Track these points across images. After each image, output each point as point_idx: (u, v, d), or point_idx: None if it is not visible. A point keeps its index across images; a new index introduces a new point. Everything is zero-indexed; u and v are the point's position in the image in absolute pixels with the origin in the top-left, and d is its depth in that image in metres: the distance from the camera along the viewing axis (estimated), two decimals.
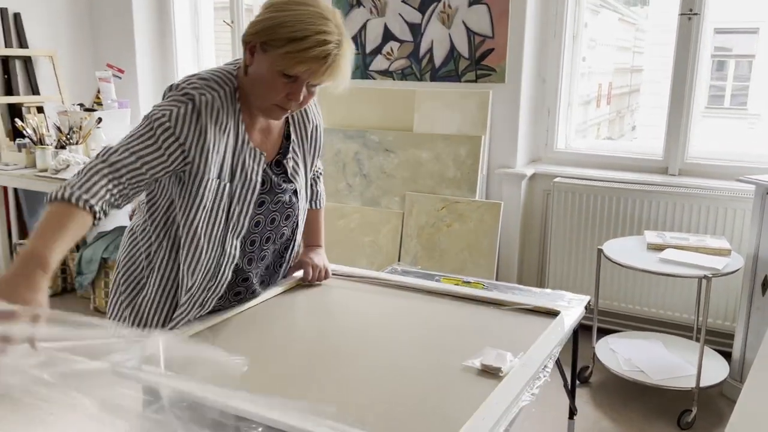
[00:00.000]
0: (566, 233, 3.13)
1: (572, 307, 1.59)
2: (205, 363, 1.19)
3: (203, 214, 1.39)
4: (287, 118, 1.52)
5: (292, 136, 1.54)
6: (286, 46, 1.28)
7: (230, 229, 1.43)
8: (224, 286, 1.47)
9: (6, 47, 3.88)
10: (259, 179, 1.45)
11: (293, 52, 1.28)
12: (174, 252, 1.44)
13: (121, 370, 1.26)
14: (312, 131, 1.58)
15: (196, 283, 1.43)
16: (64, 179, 3.27)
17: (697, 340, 2.76)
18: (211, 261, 1.43)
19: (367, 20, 3.44)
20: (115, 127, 3.80)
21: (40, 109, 3.95)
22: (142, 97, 4.36)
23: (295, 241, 1.63)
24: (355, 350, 1.39)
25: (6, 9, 3.87)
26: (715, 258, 2.44)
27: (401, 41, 3.38)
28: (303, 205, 1.59)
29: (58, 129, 3.59)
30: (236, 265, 1.47)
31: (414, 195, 3.31)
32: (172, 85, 1.40)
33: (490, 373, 1.28)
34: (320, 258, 1.77)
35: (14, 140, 3.75)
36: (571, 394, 1.77)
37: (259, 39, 1.31)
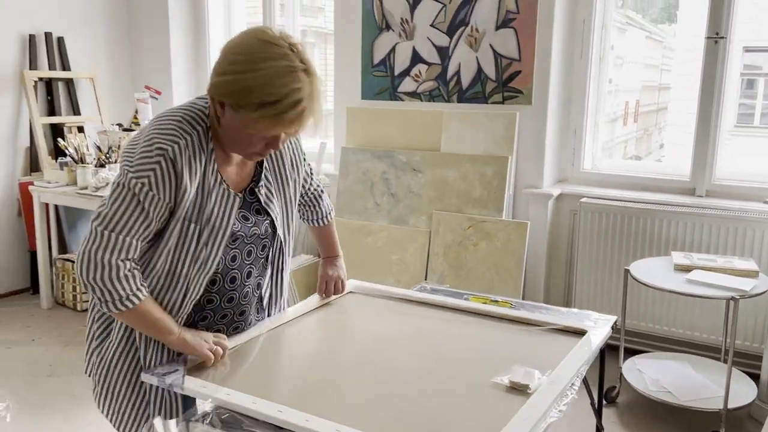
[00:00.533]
0: (593, 253, 3.15)
1: (599, 327, 1.63)
2: None
3: (166, 254, 1.37)
4: None
5: (265, 164, 1.49)
6: (259, 111, 1.25)
7: (197, 270, 1.39)
8: (188, 306, 1.42)
9: (50, 69, 4.05)
10: (231, 222, 1.40)
11: (267, 117, 1.26)
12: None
13: (165, 382, 1.34)
14: (290, 157, 1.54)
15: (169, 301, 1.41)
16: (103, 197, 3.41)
17: (725, 361, 2.76)
18: (172, 301, 1.40)
19: (396, 43, 3.53)
20: None
21: (80, 129, 4.11)
22: None
23: (281, 270, 1.59)
24: (384, 366, 1.44)
25: (50, 33, 4.05)
26: (743, 279, 2.44)
27: (429, 64, 3.46)
28: (282, 234, 1.53)
29: (98, 148, 3.73)
30: (211, 302, 1.46)
31: (441, 214, 3.36)
32: (140, 134, 1.34)
33: (519, 389, 1.32)
34: (335, 269, 1.81)
35: (56, 159, 3.90)
36: (598, 413, 1.79)
37: (229, 101, 1.27)
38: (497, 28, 3.25)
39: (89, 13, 4.27)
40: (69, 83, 4.18)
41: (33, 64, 3.96)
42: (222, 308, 1.49)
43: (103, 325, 1.49)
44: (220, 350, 1.42)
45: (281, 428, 1.20)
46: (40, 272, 3.81)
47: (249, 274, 1.50)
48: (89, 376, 1.54)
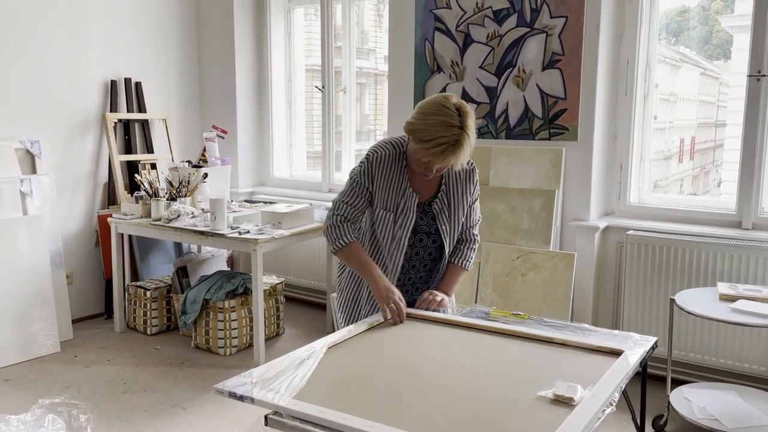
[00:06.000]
0: (640, 284, 3.22)
1: (639, 347, 1.74)
2: None
3: (377, 229, 2.13)
4: (445, 177, 2.13)
5: (442, 187, 2.14)
6: (419, 144, 1.92)
7: (395, 244, 2.11)
8: (397, 269, 2.14)
9: (128, 112, 4.43)
10: (414, 212, 2.09)
11: (423, 149, 1.91)
12: (371, 245, 2.18)
13: (237, 394, 1.50)
14: (462, 190, 2.16)
15: (383, 263, 2.15)
16: (176, 227, 3.67)
17: None
18: (387, 262, 2.14)
19: (447, 84, 3.74)
20: (219, 182, 4.23)
21: (153, 166, 4.45)
22: (242, 154, 4.82)
23: (441, 259, 2.20)
24: (435, 381, 1.58)
25: (130, 79, 4.43)
26: None
27: (478, 103, 3.65)
28: (446, 236, 2.15)
29: (170, 183, 4.03)
30: (402, 266, 2.16)
31: (490, 245, 3.50)
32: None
33: (563, 402, 1.44)
34: (437, 293, 2.13)
35: (132, 193, 4.23)
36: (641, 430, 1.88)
37: (411, 135, 1.95)
38: (543, 68, 3.43)
39: (164, 61, 4.66)
40: (144, 124, 4.54)
41: (113, 107, 4.33)
42: (410, 270, 2.20)
43: (344, 279, 2.27)
44: (396, 309, 2.00)
45: None
46: (114, 298, 4.11)
47: (417, 254, 2.18)
48: (338, 307, 2.31)
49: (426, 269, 2.22)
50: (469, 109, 1.93)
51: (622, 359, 1.67)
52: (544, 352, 1.76)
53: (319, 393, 1.51)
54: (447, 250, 2.17)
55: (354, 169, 2.12)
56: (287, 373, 1.60)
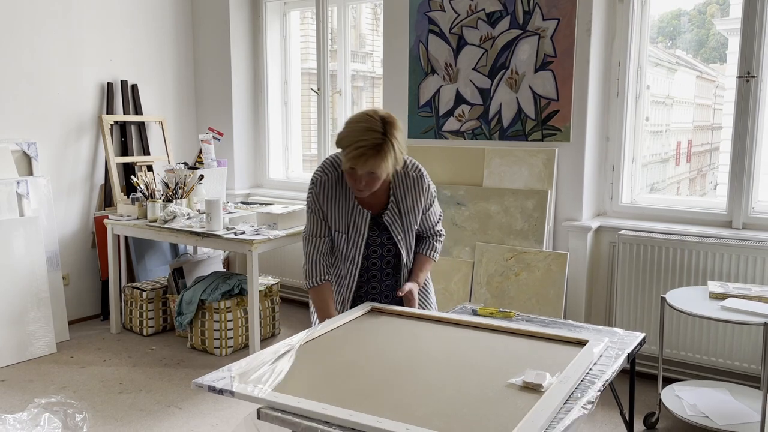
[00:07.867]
0: (632, 284, 3.25)
1: (622, 341, 1.76)
2: None
3: (336, 248, 2.18)
4: (391, 187, 2.13)
5: (391, 198, 2.14)
6: (343, 153, 1.97)
7: (349, 263, 2.17)
8: (353, 286, 2.20)
9: (124, 114, 4.45)
10: (366, 229, 2.13)
11: (344, 156, 1.96)
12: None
13: (216, 388, 1.52)
14: (411, 197, 2.15)
15: (340, 280, 2.23)
16: (172, 228, 3.69)
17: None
18: (345, 276, 2.21)
19: (441, 86, 3.77)
20: (215, 184, 4.25)
21: (150, 168, 4.47)
22: (237, 156, 4.84)
23: (400, 268, 2.22)
24: (411, 372, 1.62)
25: (126, 81, 4.46)
26: None
27: (472, 104, 3.68)
28: (402, 245, 2.17)
29: (166, 185, 4.05)
30: (360, 276, 2.21)
31: (484, 245, 3.53)
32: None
33: (532, 389, 1.48)
34: (410, 285, 2.19)
35: (128, 195, 4.25)
36: (629, 427, 1.91)
37: (337, 147, 1.99)
38: (536, 70, 3.46)
39: (160, 63, 4.69)
40: (140, 126, 4.56)
41: (110, 109, 4.36)
42: (371, 280, 2.24)
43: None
44: None
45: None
46: (111, 299, 4.12)
47: (375, 265, 2.21)
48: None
49: (389, 278, 2.25)
50: (398, 121, 1.95)
51: (587, 348, 1.71)
52: (515, 344, 1.81)
53: (299, 385, 1.53)
54: (405, 257, 2.19)
55: (307, 197, 2.16)
56: (267, 367, 1.62)
